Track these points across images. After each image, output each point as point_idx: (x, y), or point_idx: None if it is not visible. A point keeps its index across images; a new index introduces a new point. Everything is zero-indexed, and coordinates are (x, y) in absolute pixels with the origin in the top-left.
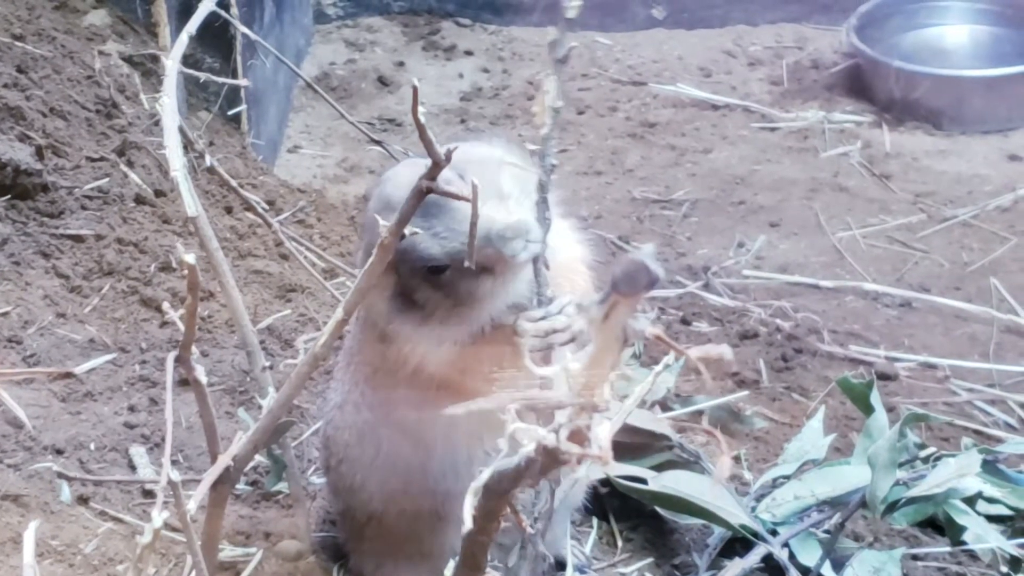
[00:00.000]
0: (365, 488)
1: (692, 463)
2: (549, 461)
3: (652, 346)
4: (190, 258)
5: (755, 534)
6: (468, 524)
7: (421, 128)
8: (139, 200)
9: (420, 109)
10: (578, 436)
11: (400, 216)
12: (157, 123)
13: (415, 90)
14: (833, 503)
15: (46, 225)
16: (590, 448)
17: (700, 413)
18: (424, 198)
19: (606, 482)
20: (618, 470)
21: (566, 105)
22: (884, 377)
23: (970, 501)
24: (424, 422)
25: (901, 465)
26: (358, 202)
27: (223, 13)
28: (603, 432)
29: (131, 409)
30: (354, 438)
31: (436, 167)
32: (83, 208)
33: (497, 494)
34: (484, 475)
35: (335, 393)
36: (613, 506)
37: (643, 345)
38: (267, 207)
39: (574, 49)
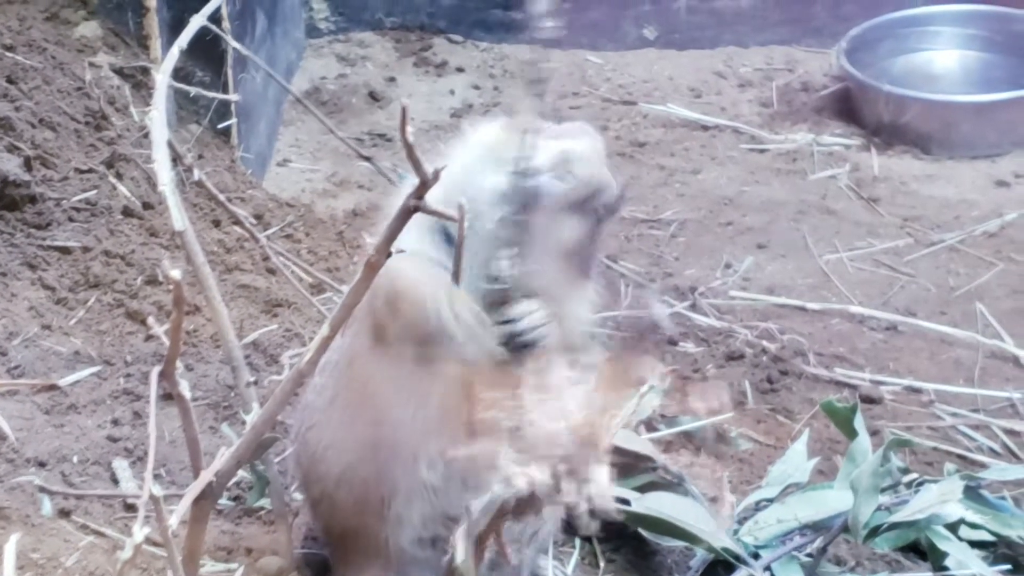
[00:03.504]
0: (325, 459)
1: (675, 485)
2: (541, 500)
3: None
4: (176, 273)
5: (737, 557)
6: (460, 556)
7: (409, 147)
8: (127, 213)
9: (408, 129)
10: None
11: (387, 234)
12: (146, 135)
13: (404, 109)
14: (816, 527)
15: (33, 236)
16: (590, 489)
17: (687, 434)
18: (410, 218)
19: None
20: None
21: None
22: (869, 400)
23: (953, 527)
24: (384, 396)
25: (884, 490)
26: (347, 217)
27: (214, 28)
28: (602, 475)
29: (115, 422)
30: (325, 401)
31: (423, 186)
32: (70, 220)
33: (485, 527)
34: (478, 516)
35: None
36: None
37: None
38: (255, 221)
39: (555, 70)
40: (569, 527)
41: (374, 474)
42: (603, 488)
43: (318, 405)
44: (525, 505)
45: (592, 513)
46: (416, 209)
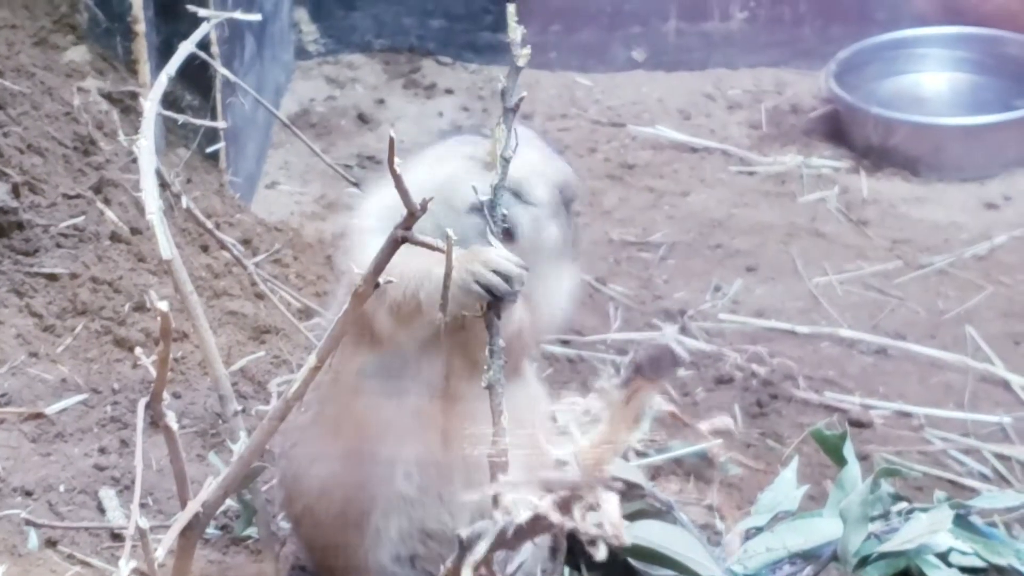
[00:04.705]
0: (308, 474)
1: (664, 513)
2: (539, 528)
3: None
4: (163, 305)
5: None
6: None
7: (397, 178)
8: (115, 238)
9: (397, 160)
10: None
11: (375, 265)
12: (135, 160)
13: (391, 139)
14: (805, 556)
15: (20, 263)
16: (603, 525)
17: (676, 461)
18: (398, 248)
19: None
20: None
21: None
22: (859, 425)
23: (943, 554)
24: (365, 407)
25: (874, 519)
26: (335, 240)
27: (203, 55)
28: (613, 509)
29: (102, 451)
30: (309, 418)
31: (411, 217)
32: (58, 246)
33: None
34: (481, 547)
35: None
36: (584, 556)
37: None
38: (243, 248)
39: (524, 98)
40: (555, 554)
41: (354, 486)
42: (613, 515)
43: (302, 422)
44: (524, 534)
45: (601, 540)
46: (404, 240)
